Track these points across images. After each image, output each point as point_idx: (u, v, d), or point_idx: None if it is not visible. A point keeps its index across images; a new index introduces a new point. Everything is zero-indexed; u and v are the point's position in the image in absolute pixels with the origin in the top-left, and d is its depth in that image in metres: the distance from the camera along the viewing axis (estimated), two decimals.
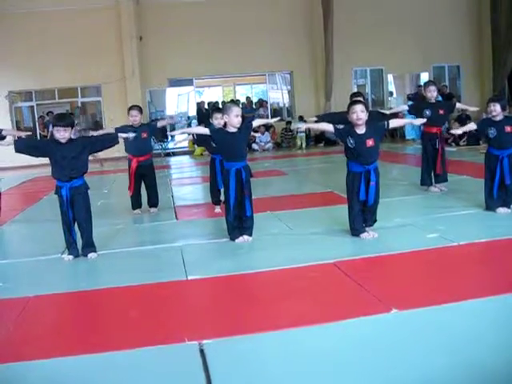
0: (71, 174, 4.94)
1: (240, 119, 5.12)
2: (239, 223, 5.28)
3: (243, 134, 5.26)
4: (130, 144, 6.96)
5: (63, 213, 5.01)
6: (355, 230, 5.10)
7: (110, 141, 5.45)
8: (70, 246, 5.07)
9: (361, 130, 5.01)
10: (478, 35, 19.14)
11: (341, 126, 5.21)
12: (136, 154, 7.00)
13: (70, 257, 5.02)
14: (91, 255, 5.05)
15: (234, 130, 5.15)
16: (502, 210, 5.71)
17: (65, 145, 4.92)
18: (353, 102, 5.18)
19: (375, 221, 5.22)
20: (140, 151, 7.02)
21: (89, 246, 5.09)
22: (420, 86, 17.81)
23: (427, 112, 7.06)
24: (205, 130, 5.40)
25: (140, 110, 7.12)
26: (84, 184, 5.07)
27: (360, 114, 4.94)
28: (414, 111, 7.39)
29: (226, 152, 5.27)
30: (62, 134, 4.87)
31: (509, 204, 5.78)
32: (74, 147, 4.96)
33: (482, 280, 3.90)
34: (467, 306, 3.35)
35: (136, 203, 7.17)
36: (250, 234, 5.30)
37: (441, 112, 7.18)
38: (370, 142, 4.98)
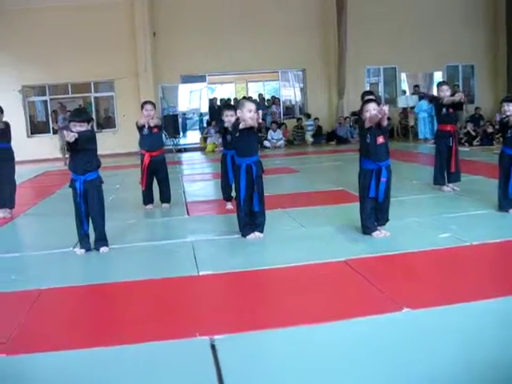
0: (85, 167, 4.98)
1: (253, 114, 5.09)
2: (251, 220, 5.28)
3: (255, 133, 5.23)
4: (143, 139, 7.02)
5: (77, 206, 5.04)
6: (367, 228, 5.09)
7: None
8: (82, 240, 5.10)
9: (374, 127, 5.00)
10: (492, 35, 18.98)
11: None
12: (148, 149, 7.03)
13: (82, 250, 5.05)
14: (103, 249, 5.08)
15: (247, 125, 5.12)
16: None
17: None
18: (366, 101, 5.20)
19: (387, 220, 5.20)
20: (152, 146, 7.05)
21: (101, 240, 5.12)
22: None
23: (443, 110, 7.15)
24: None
25: (154, 105, 7.17)
26: (98, 178, 5.11)
27: (373, 111, 4.94)
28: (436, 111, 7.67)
29: (237, 147, 5.26)
30: (78, 130, 4.88)
31: None
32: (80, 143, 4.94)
33: (494, 281, 3.88)
34: (479, 306, 3.33)
35: (148, 198, 7.20)
36: (262, 231, 5.30)
37: (450, 110, 7.19)
38: (380, 139, 4.98)
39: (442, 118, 7.29)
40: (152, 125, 6.92)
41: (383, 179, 4.99)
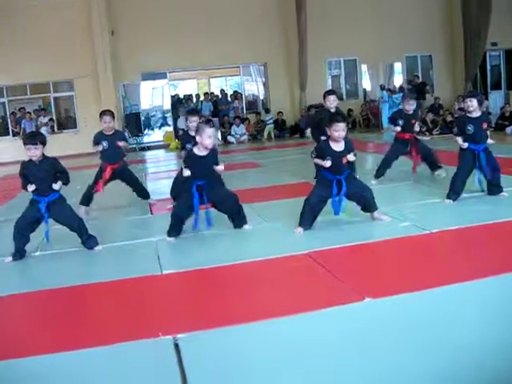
0: (46, 192, 4.95)
1: (212, 141, 5.15)
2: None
3: (212, 158, 5.23)
4: (104, 152, 6.87)
5: (34, 219, 4.99)
6: (304, 225, 5.14)
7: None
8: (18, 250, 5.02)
9: (338, 147, 5.07)
10: (449, 25, 19.31)
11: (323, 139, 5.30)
12: (110, 161, 6.89)
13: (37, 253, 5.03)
14: (98, 248, 5.12)
15: (204, 152, 5.15)
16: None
17: (37, 165, 4.90)
18: (337, 119, 5.09)
19: (376, 208, 5.30)
20: (114, 159, 6.91)
21: (92, 238, 5.16)
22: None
23: (400, 121, 7.15)
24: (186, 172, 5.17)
25: (113, 115, 6.98)
26: (60, 196, 5.08)
27: (342, 132, 5.02)
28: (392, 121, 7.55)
29: (193, 173, 5.17)
30: (33, 152, 4.84)
31: (496, 192, 5.87)
32: (45, 168, 4.92)
33: (454, 267, 3.95)
34: (439, 292, 3.39)
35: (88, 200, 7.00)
36: (246, 222, 5.44)
37: (412, 121, 7.22)
38: (344, 160, 5.05)
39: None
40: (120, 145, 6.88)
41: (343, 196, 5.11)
